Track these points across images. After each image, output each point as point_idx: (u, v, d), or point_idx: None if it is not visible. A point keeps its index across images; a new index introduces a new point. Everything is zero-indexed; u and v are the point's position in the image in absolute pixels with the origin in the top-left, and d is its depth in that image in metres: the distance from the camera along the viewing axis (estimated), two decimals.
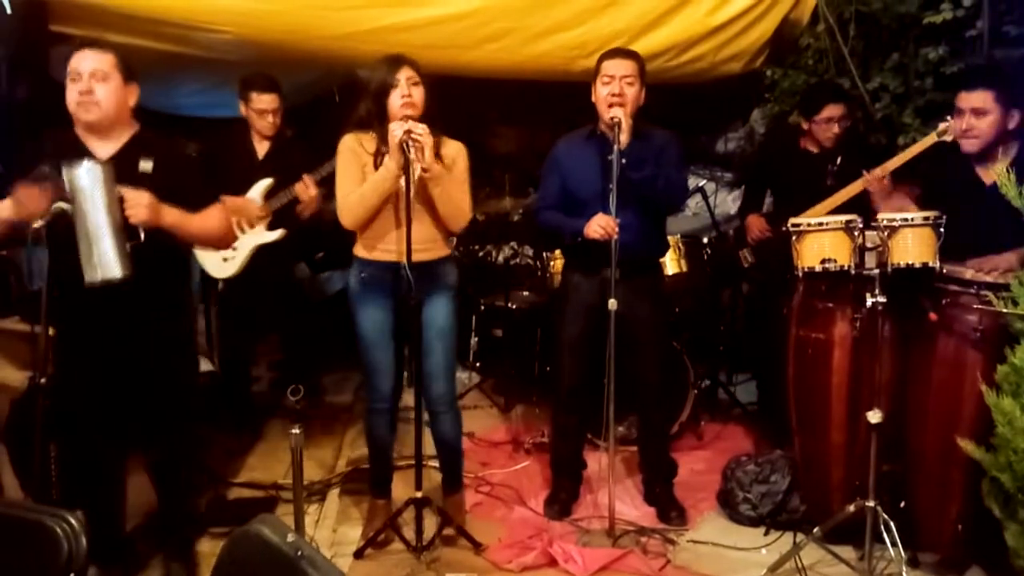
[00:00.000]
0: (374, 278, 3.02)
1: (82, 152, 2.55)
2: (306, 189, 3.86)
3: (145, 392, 2.71)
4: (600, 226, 3.05)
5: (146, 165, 2.60)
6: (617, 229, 3.00)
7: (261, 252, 3.99)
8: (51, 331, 2.62)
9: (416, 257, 2.89)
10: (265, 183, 3.95)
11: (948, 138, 3.00)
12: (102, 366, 2.64)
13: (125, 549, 2.88)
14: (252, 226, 3.95)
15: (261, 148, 4.05)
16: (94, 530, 1.57)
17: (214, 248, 2.73)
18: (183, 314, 2.87)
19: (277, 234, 3.97)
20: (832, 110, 3.65)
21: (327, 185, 3.53)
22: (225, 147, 4.09)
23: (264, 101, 3.95)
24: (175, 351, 2.78)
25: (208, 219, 2.69)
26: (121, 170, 2.49)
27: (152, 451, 2.89)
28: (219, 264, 3.97)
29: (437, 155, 2.92)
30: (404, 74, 2.89)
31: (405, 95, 2.88)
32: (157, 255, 2.53)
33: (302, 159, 3.92)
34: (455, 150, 3.04)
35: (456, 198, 3.00)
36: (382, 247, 3.00)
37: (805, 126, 3.77)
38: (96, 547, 1.58)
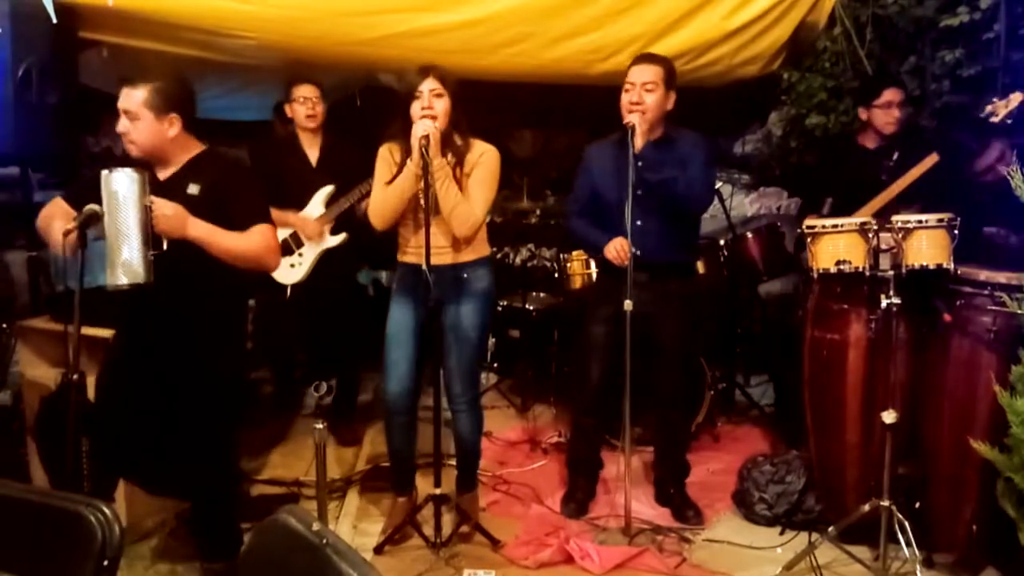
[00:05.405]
0: (404, 279, 3.12)
1: (138, 167, 2.50)
2: None
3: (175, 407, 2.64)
4: (616, 249, 3.13)
5: (193, 189, 2.60)
6: (630, 254, 3.06)
7: (326, 257, 4.03)
8: (109, 332, 2.68)
9: (437, 260, 2.96)
10: (326, 191, 3.99)
11: (995, 119, 3.00)
12: (142, 370, 2.65)
13: None
14: (313, 239, 4.00)
15: (313, 154, 4.05)
16: None
17: (255, 268, 2.67)
18: (223, 329, 2.77)
19: (340, 238, 4.02)
20: (891, 94, 3.57)
21: None
22: (278, 158, 4.11)
23: (305, 90, 3.96)
24: (210, 362, 2.69)
25: (246, 238, 2.59)
26: (173, 194, 2.50)
27: (188, 501, 2.85)
28: (286, 270, 4.01)
29: (450, 157, 2.97)
30: (427, 85, 2.93)
31: (426, 107, 2.92)
32: (191, 266, 2.52)
33: (355, 159, 3.90)
34: (478, 153, 3.03)
35: (459, 200, 2.95)
36: (410, 249, 3.08)
37: (864, 116, 3.66)
38: None
